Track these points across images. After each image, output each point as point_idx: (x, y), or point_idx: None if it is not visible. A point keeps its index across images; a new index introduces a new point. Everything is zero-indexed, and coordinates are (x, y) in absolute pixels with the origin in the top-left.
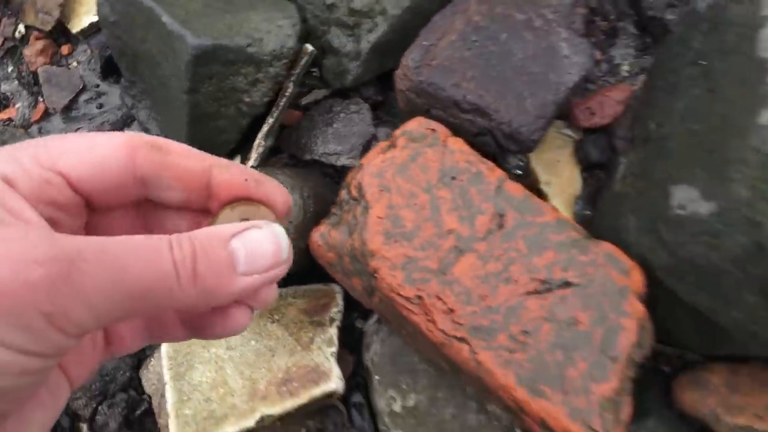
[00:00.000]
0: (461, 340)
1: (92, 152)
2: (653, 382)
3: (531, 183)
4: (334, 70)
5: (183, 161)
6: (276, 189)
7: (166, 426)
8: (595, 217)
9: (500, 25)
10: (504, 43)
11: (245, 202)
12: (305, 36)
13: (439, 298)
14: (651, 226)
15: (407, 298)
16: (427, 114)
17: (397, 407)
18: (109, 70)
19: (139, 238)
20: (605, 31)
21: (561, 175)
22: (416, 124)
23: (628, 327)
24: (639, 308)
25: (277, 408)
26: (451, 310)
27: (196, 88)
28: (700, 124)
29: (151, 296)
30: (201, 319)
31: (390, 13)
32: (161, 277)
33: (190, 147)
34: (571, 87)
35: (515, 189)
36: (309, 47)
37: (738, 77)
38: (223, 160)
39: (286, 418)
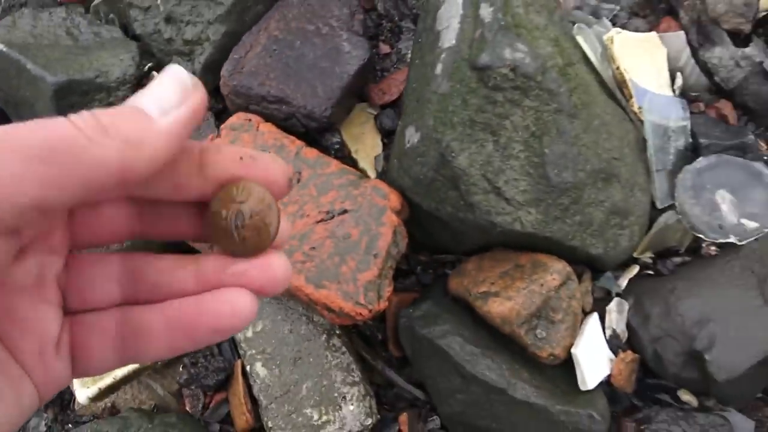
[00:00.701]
0: None
1: None
2: (439, 283)
3: (346, 153)
4: None
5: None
6: (273, 163)
7: (72, 384)
8: (387, 168)
9: (295, 35)
10: (298, 48)
11: (240, 182)
12: (156, 66)
13: None
14: (400, 162)
15: None
16: (247, 110)
17: (249, 333)
18: (3, 118)
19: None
20: (392, 30)
21: (365, 143)
22: (236, 118)
23: (385, 233)
24: (393, 219)
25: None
26: None
27: None
28: (416, 83)
29: (62, 157)
30: (192, 312)
31: (212, 39)
32: (62, 135)
33: None
34: (352, 74)
35: (310, 153)
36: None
37: (430, 46)
38: (213, 143)
39: None
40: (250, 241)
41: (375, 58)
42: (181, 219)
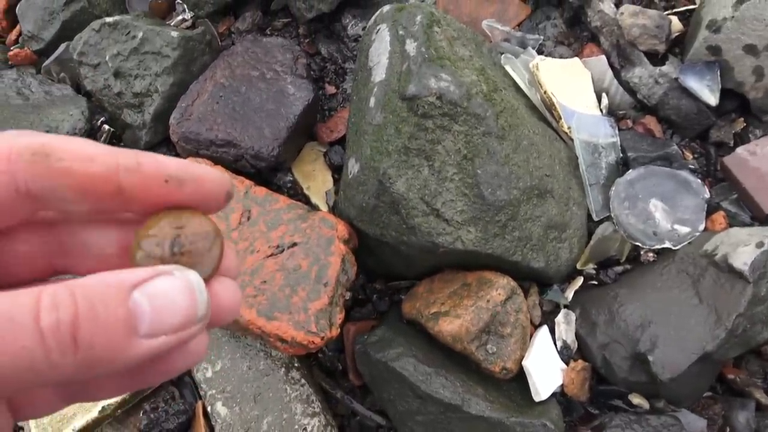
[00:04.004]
0: None
1: None
2: (395, 309)
3: (299, 191)
4: (131, 140)
5: (78, 167)
6: (206, 181)
7: None
8: (336, 201)
9: (240, 81)
10: (244, 93)
11: (174, 210)
12: (108, 120)
13: None
14: (344, 193)
15: None
16: (197, 155)
17: (209, 374)
18: None
19: None
20: (336, 72)
21: (316, 179)
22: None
23: (334, 261)
24: (341, 248)
25: (115, 398)
26: None
27: None
28: (355, 117)
29: (9, 378)
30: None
31: (161, 90)
32: (16, 355)
33: (90, 142)
34: (298, 114)
35: (259, 191)
36: (106, 127)
37: (364, 82)
38: (131, 158)
39: (124, 405)
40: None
41: (321, 99)
42: (106, 250)
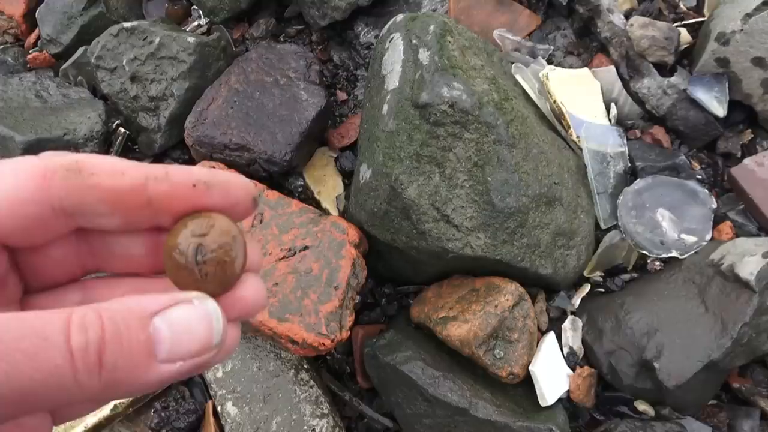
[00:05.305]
0: None
1: None
2: (403, 313)
3: (310, 195)
4: (146, 143)
5: (109, 181)
6: (233, 186)
7: None
8: (346, 205)
9: (254, 87)
10: (258, 99)
11: (200, 214)
12: (124, 123)
13: None
14: (356, 198)
15: None
16: (211, 158)
17: (219, 374)
18: None
19: (28, 320)
20: (348, 78)
21: (327, 184)
22: (200, 167)
23: (345, 265)
24: (352, 252)
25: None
26: None
27: None
28: (367, 124)
29: (40, 396)
30: None
31: (176, 94)
32: (49, 373)
33: (121, 160)
34: (310, 120)
35: (272, 195)
36: (122, 129)
37: (377, 89)
38: (160, 169)
39: (135, 403)
40: (213, 277)
41: (333, 105)
42: (135, 252)
